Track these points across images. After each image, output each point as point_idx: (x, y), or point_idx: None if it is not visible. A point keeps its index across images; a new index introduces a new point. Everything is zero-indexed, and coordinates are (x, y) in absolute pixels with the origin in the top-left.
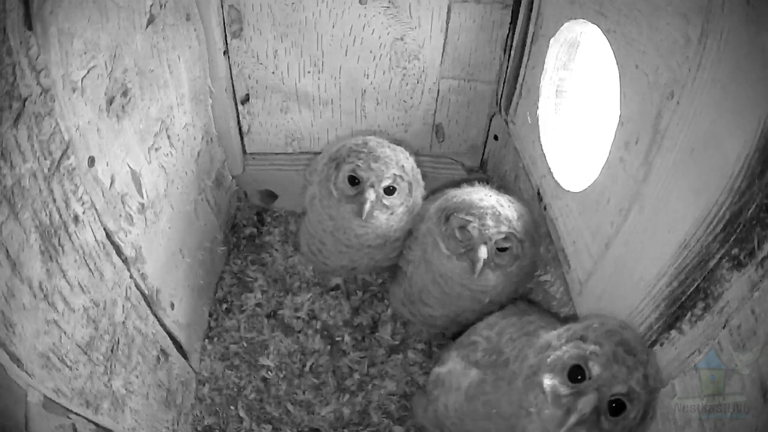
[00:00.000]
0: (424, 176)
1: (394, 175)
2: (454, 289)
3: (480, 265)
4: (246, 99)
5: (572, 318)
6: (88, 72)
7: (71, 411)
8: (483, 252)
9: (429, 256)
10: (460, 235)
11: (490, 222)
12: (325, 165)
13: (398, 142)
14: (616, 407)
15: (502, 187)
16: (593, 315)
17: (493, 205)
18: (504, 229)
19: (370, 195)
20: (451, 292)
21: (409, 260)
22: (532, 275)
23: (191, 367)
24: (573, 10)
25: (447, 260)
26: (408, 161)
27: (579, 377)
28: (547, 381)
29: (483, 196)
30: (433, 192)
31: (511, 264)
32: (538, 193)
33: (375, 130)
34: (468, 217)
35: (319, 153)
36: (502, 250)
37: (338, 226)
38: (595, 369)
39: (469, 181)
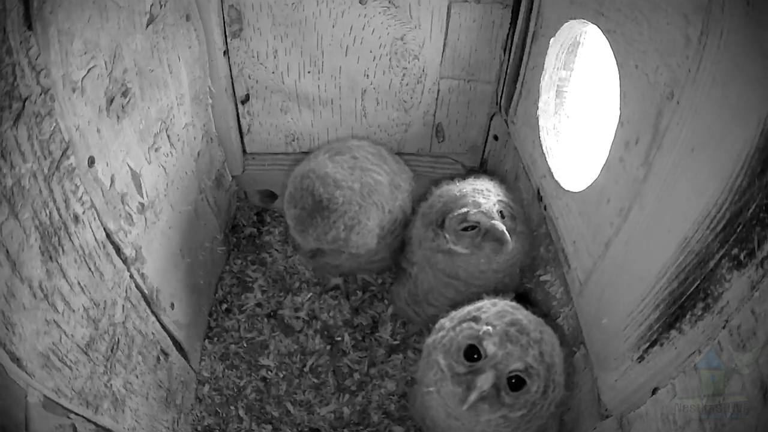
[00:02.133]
0: (423, 176)
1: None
2: (474, 277)
3: (507, 235)
4: (246, 99)
5: (573, 318)
6: (88, 72)
7: (71, 411)
8: (500, 224)
9: (443, 267)
10: (466, 227)
11: (481, 200)
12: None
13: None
14: (516, 383)
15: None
16: (487, 299)
17: (473, 188)
18: (494, 198)
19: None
20: (472, 284)
21: (414, 262)
22: (534, 245)
23: (191, 367)
24: (573, 10)
25: (470, 256)
26: (373, 221)
27: (475, 356)
28: (442, 360)
29: (456, 188)
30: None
31: (516, 226)
32: (538, 193)
33: (375, 130)
34: (462, 210)
35: None
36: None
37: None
38: (489, 348)
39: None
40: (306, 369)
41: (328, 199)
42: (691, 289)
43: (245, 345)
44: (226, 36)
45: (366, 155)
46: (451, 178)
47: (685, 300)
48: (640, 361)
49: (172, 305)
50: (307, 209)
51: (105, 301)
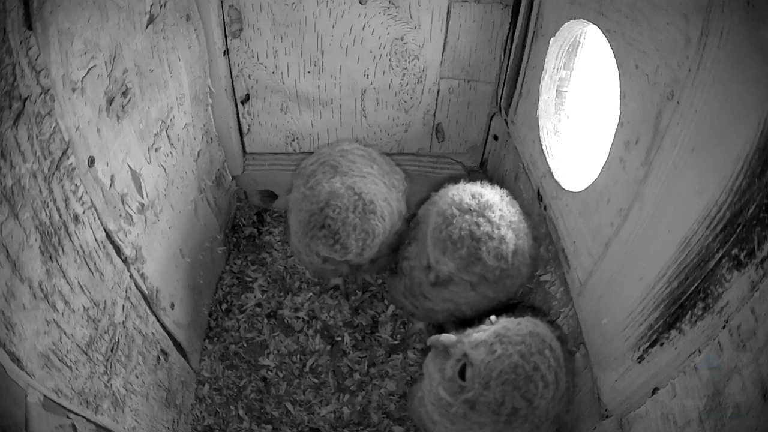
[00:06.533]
0: (423, 176)
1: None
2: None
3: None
4: (246, 99)
5: (572, 318)
6: (88, 72)
7: (71, 411)
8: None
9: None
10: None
11: (479, 254)
12: (301, 222)
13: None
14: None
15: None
16: None
17: (489, 229)
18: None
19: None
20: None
21: (405, 257)
22: (534, 270)
23: (191, 367)
24: (573, 10)
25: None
26: (378, 224)
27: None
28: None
29: (475, 219)
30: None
31: (490, 292)
32: (538, 193)
33: (375, 130)
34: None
35: None
36: None
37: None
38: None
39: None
40: (306, 369)
41: (371, 232)
42: (691, 289)
43: (245, 345)
44: (226, 36)
45: (354, 159)
46: (453, 178)
47: (685, 300)
48: (640, 361)
49: (172, 305)
50: (342, 230)
51: (105, 301)
